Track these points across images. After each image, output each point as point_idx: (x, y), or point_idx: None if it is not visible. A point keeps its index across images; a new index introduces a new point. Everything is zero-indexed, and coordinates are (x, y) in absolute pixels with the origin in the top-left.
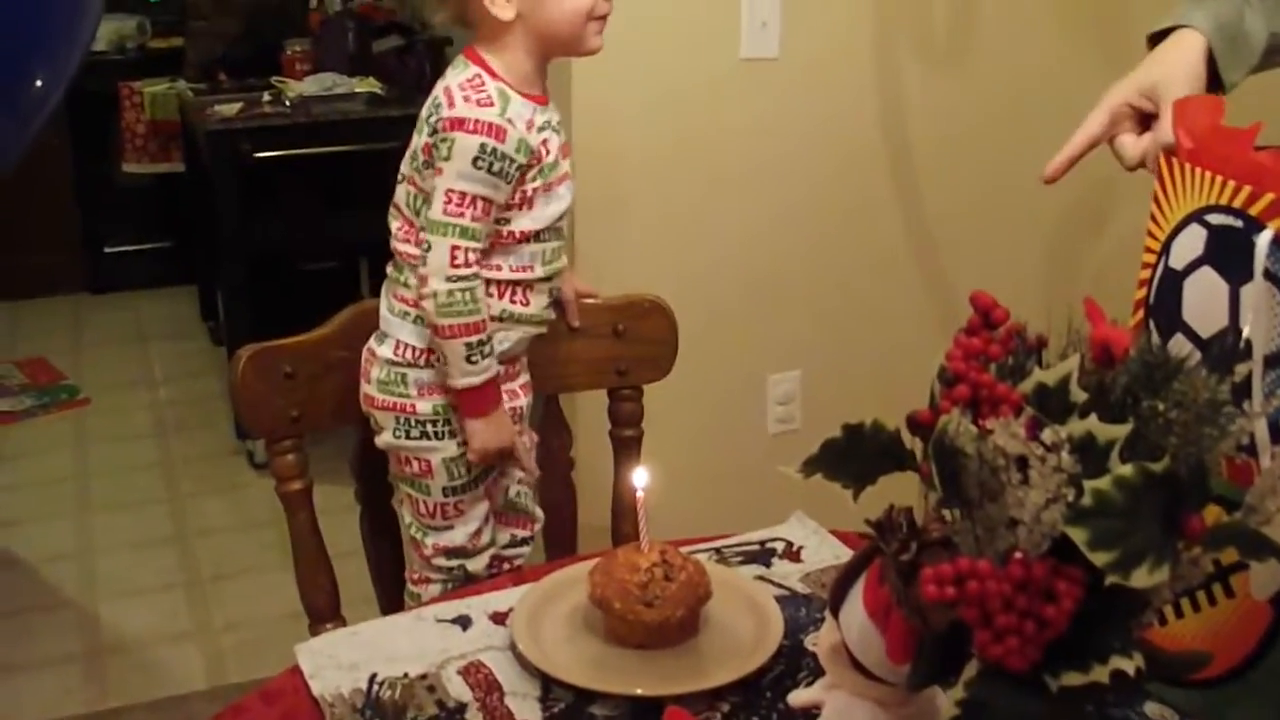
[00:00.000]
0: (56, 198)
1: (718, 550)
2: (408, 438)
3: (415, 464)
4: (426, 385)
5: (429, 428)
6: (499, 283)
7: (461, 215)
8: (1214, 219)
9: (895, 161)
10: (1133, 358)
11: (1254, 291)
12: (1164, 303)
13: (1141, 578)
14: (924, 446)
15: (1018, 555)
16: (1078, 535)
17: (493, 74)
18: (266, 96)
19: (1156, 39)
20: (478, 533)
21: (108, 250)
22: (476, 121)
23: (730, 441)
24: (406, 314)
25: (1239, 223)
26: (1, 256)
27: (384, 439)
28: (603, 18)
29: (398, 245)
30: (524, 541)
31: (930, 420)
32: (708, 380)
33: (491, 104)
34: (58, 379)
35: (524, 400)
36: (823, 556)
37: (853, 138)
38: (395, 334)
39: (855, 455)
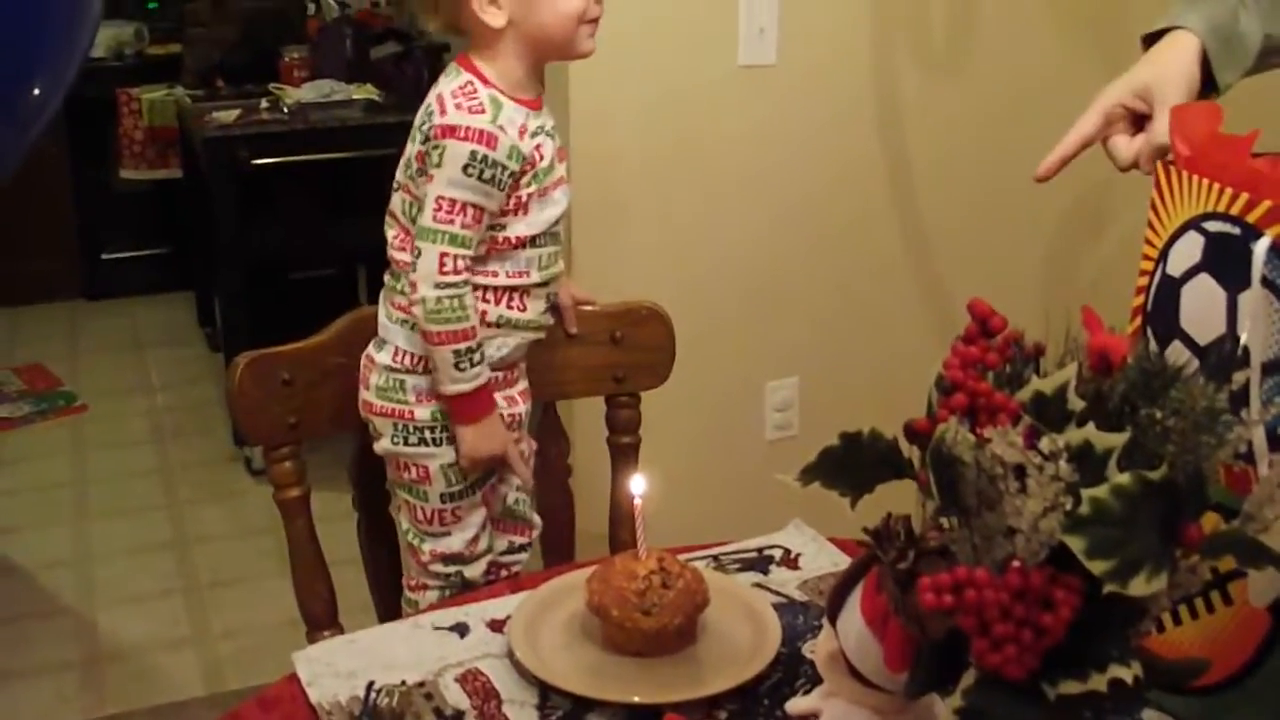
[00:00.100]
0: (54, 204)
1: (715, 558)
2: (406, 444)
3: (413, 470)
4: (425, 391)
5: (427, 434)
6: (495, 289)
7: (451, 222)
8: (1211, 226)
9: (893, 168)
10: (1130, 366)
11: (1251, 299)
12: (1161, 310)
13: (1139, 586)
14: (922, 455)
15: (1015, 564)
16: (1075, 544)
17: (485, 81)
18: (264, 103)
19: (1151, 40)
20: (475, 539)
21: (105, 256)
22: (467, 129)
23: (728, 448)
24: (404, 321)
25: (1236, 230)
26: None
27: (382, 445)
28: (594, 21)
29: (394, 253)
30: (522, 548)
31: (928, 429)
32: (705, 387)
33: (483, 111)
34: (55, 385)
35: (523, 407)
36: (820, 564)
37: (850, 144)
38: (393, 341)
39: (853, 463)
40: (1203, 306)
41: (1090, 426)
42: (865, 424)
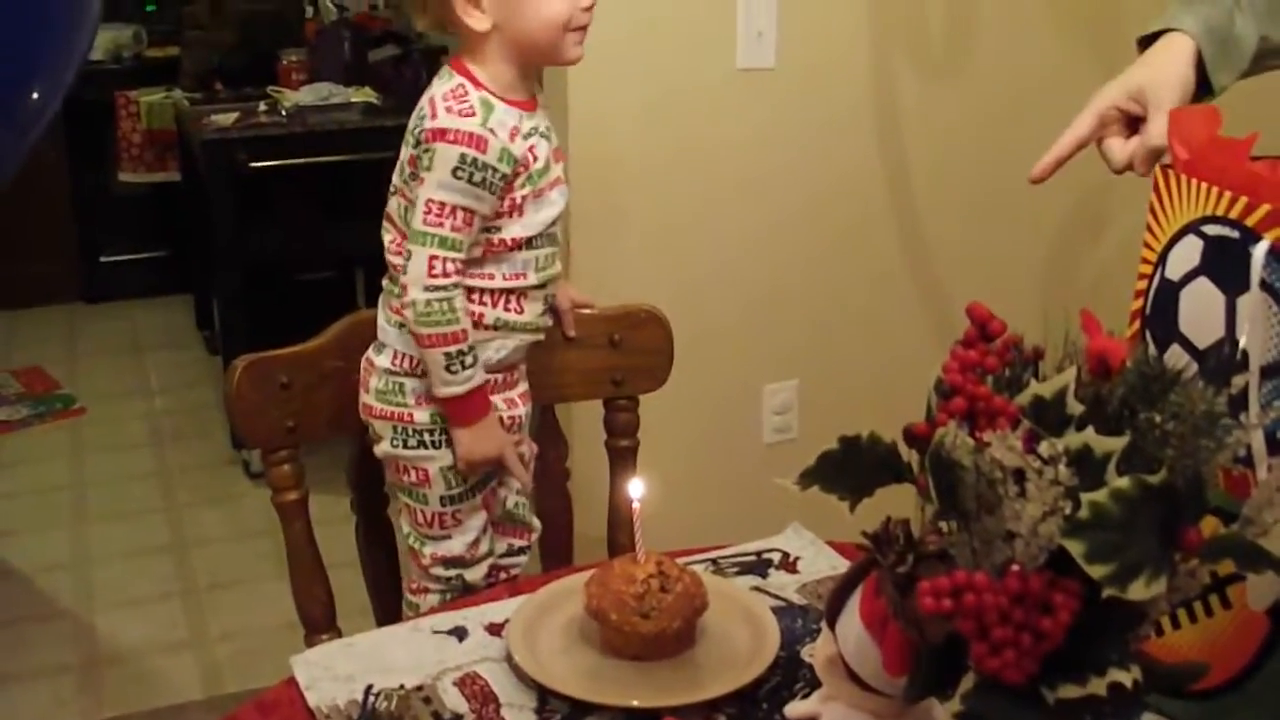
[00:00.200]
0: (52, 207)
1: (714, 561)
2: (405, 447)
3: (413, 473)
4: (424, 394)
5: (426, 437)
6: (492, 291)
7: (441, 225)
8: (1210, 230)
9: (891, 171)
10: (1129, 369)
11: (1250, 302)
12: (1160, 314)
13: (1139, 590)
14: (921, 459)
15: (1014, 568)
16: (1075, 548)
17: (476, 83)
18: (262, 106)
19: (1146, 42)
20: (475, 543)
21: (104, 259)
22: (457, 132)
23: (726, 451)
24: (402, 324)
25: (1235, 233)
26: None
27: (382, 448)
28: (581, 28)
29: (390, 257)
30: (521, 551)
31: (927, 433)
32: (704, 390)
33: (473, 114)
34: (53, 388)
35: (522, 409)
36: (819, 567)
37: (849, 147)
38: (392, 344)
39: (852, 467)
40: (1201, 310)
41: (1089, 430)
42: (864, 427)
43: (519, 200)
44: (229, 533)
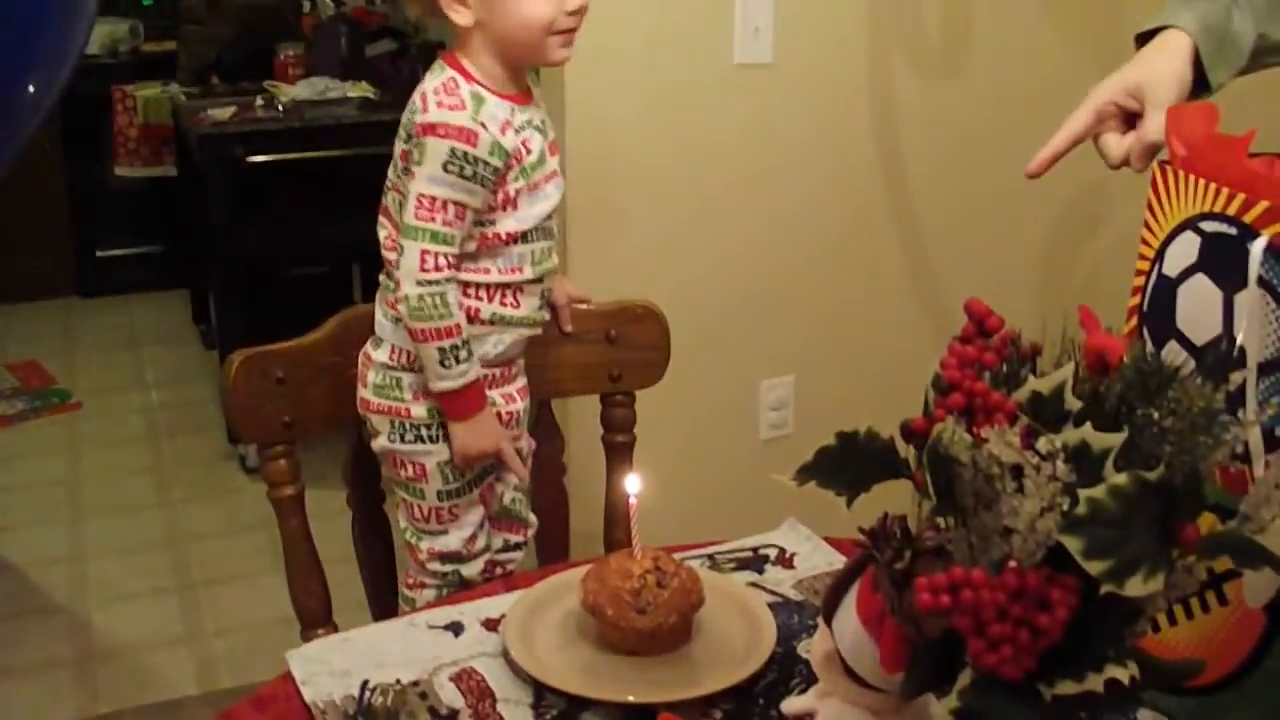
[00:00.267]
0: (49, 201)
1: (710, 557)
2: (402, 441)
3: (410, 468)
4: (421, 389)
5: (423, 431)
6: (488, 286)
7: (432, 220)
8: (1208, 226)
9: (889, 167)
10: (1127, 366)
11: (1248, 299)
12: (1158, 310)
13: (1136, 586)
14: (918, 454)
15: (1012, 564)
16: (1072, 544)
17: (468, 76)
18: (259, 101)
19: (1144, 39)
20: (472, 538)
21: (100, 254)
22: (447, 126)
23: (722, 447)
24: (398, 319)
25: (1233, 230)
26: None
27: (379, 443)
28: (566, 32)
29: (386, 253)
30: (517, 546)
31: (925, 428)
32: (700, 386)
33: (463, 108)
34: (49, 383)
35: (520, 404)
36: (815, 563)
37: (847, 143)
38: (389, 339)
39: (849, 463)
40: (1199, 307)
41: (1087, 426)
42: (860, 423)
43: (512, 194)
44: (225, 528)
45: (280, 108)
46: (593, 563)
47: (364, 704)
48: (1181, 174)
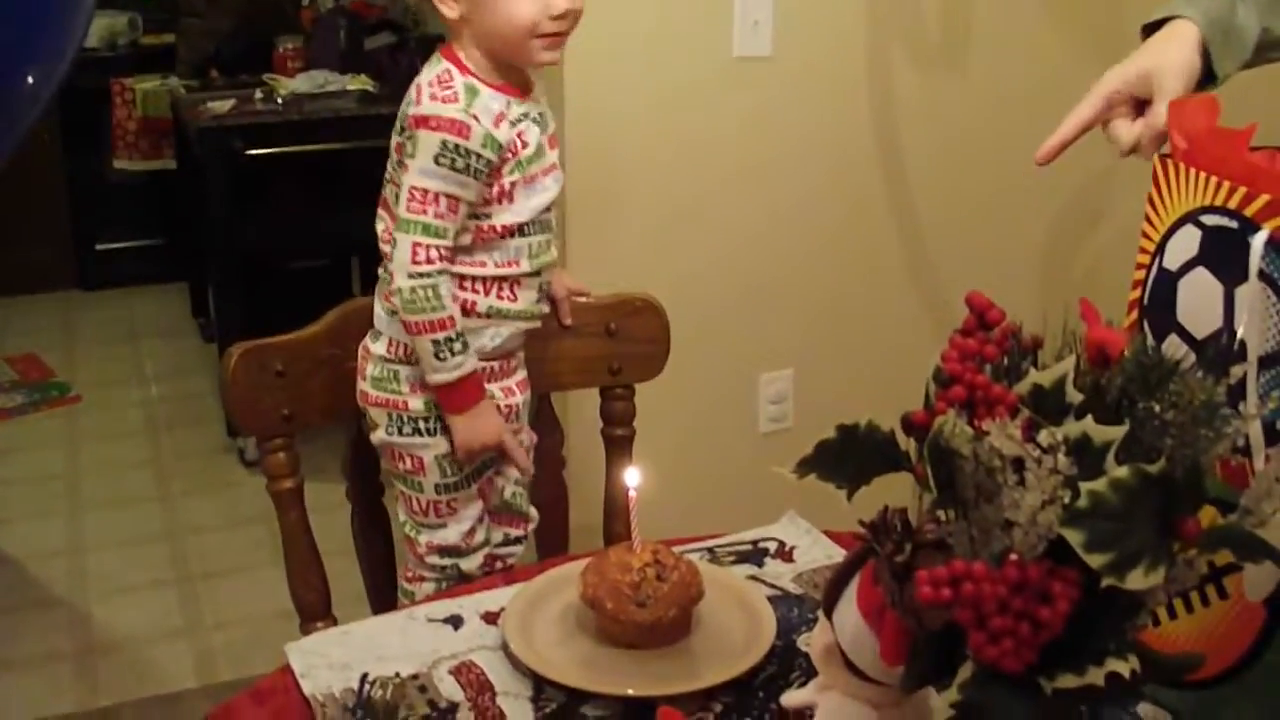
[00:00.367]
0: (48, 194)
1: (710, 550)
2: (400, 434)
3: (408, 461)
4: (418, 382)
5: (421, 424)
6: (484, 279)
7: (424, 212)
8: (1209, 220)
9: (888, 160)
10: (1128, 359)
11: (1249, 292)
12: (1158, 304)
13: (1137, 580)
14: (919, 447)
15: (1013, 557)
16: (1074, 537)
17: (463, 69)
18: (258, 94)
19: (1150, 30)
20: (471, 531)
21: (99, 247)
22: (439, 118)
23: (722, 440)
24: (394, 312)
25: (1234, 224)
26: None
27: (378, 436)
28: (551, 35)
29: (383, 245)
30: (517, 540)
31: (926, 421)
32: (699, 379)
33: (455, 100)
34: (48, 376)
35: (520, 397)
36: (815, 557)
37: (846, 136)
38: (388, 332)
39: (850, 456)
40: (1199, 300)
41: (1088, 419)
42: (860, 416)
43: (508, 187)
44: (224, 521)
45: (279, 101)
46: (592, 556)
47: (363, 697)
48: (1182, 167)
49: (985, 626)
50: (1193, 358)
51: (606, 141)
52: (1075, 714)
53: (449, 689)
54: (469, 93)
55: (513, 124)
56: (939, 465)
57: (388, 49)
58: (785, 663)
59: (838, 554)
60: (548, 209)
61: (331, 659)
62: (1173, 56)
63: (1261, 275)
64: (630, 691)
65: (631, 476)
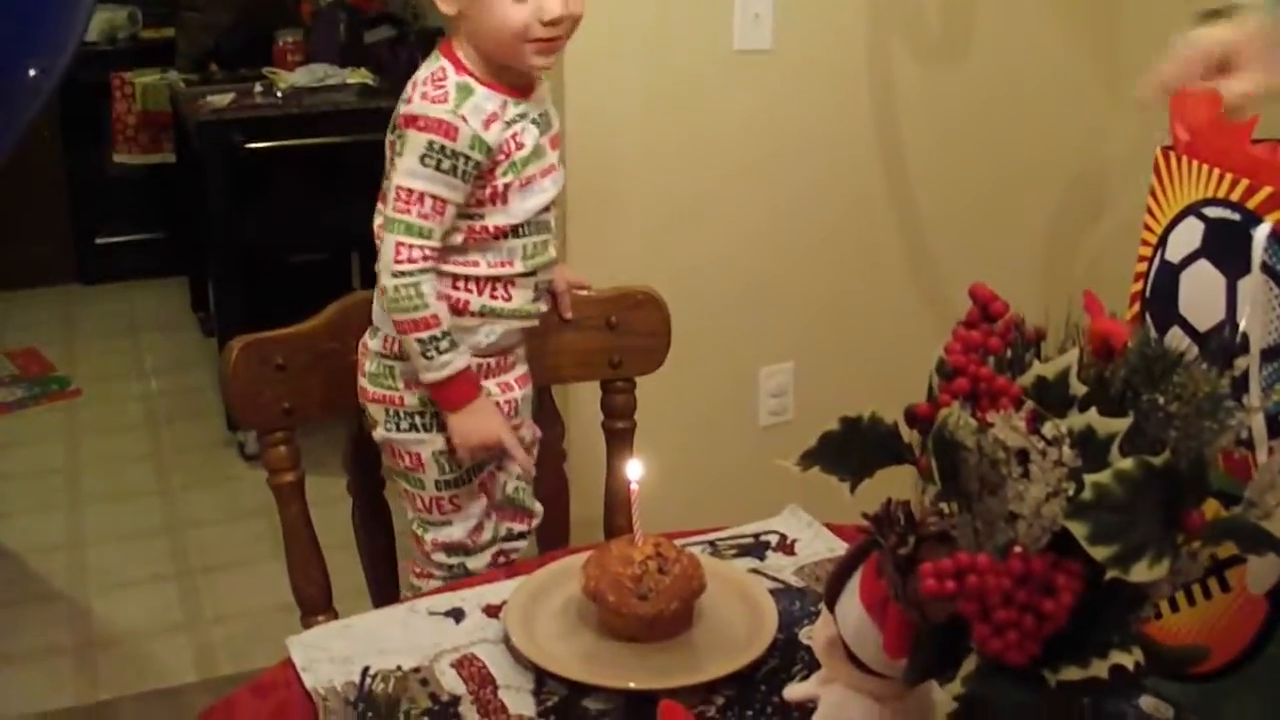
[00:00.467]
0: (47, 188)
1: (712, 543)
2: (398, 430)
3: (407, 457)
4: (412, 377)
5: (417, 420)
6: (478, 278)
7: (408, 212)
8: (1211, 212)
9: (889, 153)
10: (1132, 351)
11: (1251, 285)
12: (1160, 296)
13: (1141, 572)
14: (922, 440)
15: (1017, 549)
16: (1078, 529)
17: (458, 66)
18: (258, 87)
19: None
20: (478, 528)
21: (98, 241)
22: (426, 118)
23: (722, 434)
24: None
25: (1236, 216)
26: None
27: (378, 432)
28: (542, 41)
29: (378, 241)
30: (521, 536)
31: (929, 414)
32: (700, 373)
33: (444, 100)
34: (48, 370)
35: (518, 393)
36: (816, 550)
37: (847, 129)
38: (383, 328)
39: (853, 448)
40: (1202, 292)
41: (1092, 412)
42: (860, 409)
43: (501, 188)
44: (224, 515)
45: (279, 94)
46: (594, 549)
47: (365, 690)
48: (1185, 159)
49: (989, 619)
50: (1195, 350)
51: (607, 135)
52: (1077, 706)
53: (451, 682)
54: (461, 92)
55: (507, 124)
56: (943, 457)
57: (387, 43)
58: (787, 656)
59: (839, 547)
60: (545, 210)
61: (333, 652)
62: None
63: (1264, 268)
64: (632, 684)
65: (633, 469)
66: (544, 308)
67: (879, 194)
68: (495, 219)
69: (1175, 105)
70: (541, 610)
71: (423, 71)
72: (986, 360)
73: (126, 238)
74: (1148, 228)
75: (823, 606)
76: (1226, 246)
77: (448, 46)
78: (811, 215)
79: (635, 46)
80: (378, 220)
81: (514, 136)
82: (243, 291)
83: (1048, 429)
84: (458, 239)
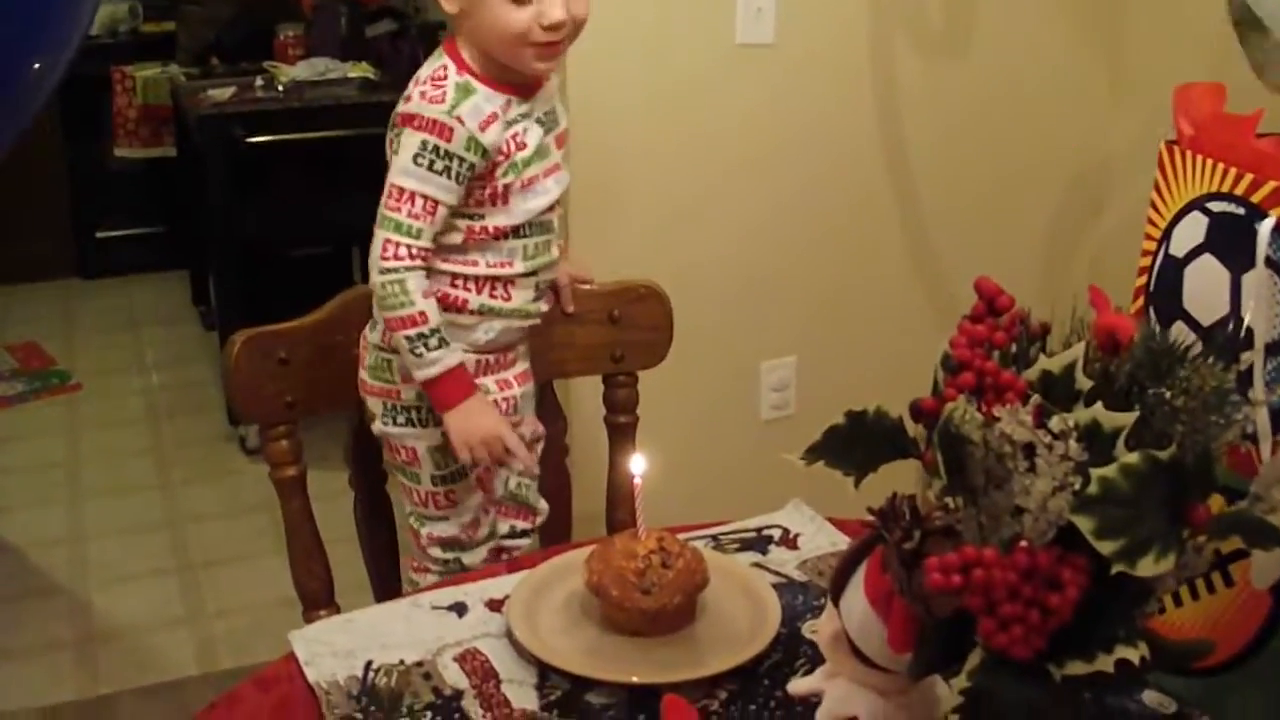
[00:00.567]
0: (48, 183)
1: (714, 537)
2: (394, 423)
3: (403, 452)
4: (409, 372)
5: (413, 414)
6: (476, 278)
7: (398, 210)
8: (1215, 206)
9: (891, 147)
10: (1137, 345)
11: (1255, 279)
12: (1164, 290)
13: (1148, 567)
14: (928, 434)
15: (1023, 544)
16: (1084, 524)
17: (461, 65)
18: (259, 81)
19: None
20: (474, 524)
21: (99, 235)
22: (422, 118)
23: (724, 428)
24: None
25: (1240, 210)
26: None
27: (376, 426)
28: (542, 45)
29: None
30: (524, 533)
31: (934, 408)
32: (702, 367)
33: (441, 100)
34: (49, 364)
35: (518, 390)
36: (819, 544)
37: (849, 123)
38: (381, 322)
39: (858, 442)
40: (1206, 287)
41: (1098, 406)
42: (862, 404)
43: (501, 189)
44: (225, 509)
45: (280, 88)
46: (597, 543)
47: (368, 685)
48: (1189, 154)
49: (995, 613)
50: (1199, 345)
51: (608, 129)
52: (1081, 700)
53: (454, 676)
54: (460, 92)
55: (508, 124)
56: (949, 452)
57: (389, 36)
58: (790, 650)
59: (842, 541)
60: (548, 210)
61: (336, 647)
62: None
63: (1268, 262)
64: (635, 679)
65: (637, 463)
66: (545, 307)
67: (881, 188)
68: (496, 220)
69: (1179, 99)
70: (544, 604)
71: (425, 69)
72: (992, 355)
73: (127, 231)
74: (1151, 222)
75: (827, 601)
76: (1230, 241)
77: (451, 44)
78: (813, 209)
79: (637, 40)
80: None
81: (515, 137)
82: (243, 285)
83: (1054, 423)
84: (456, 239)
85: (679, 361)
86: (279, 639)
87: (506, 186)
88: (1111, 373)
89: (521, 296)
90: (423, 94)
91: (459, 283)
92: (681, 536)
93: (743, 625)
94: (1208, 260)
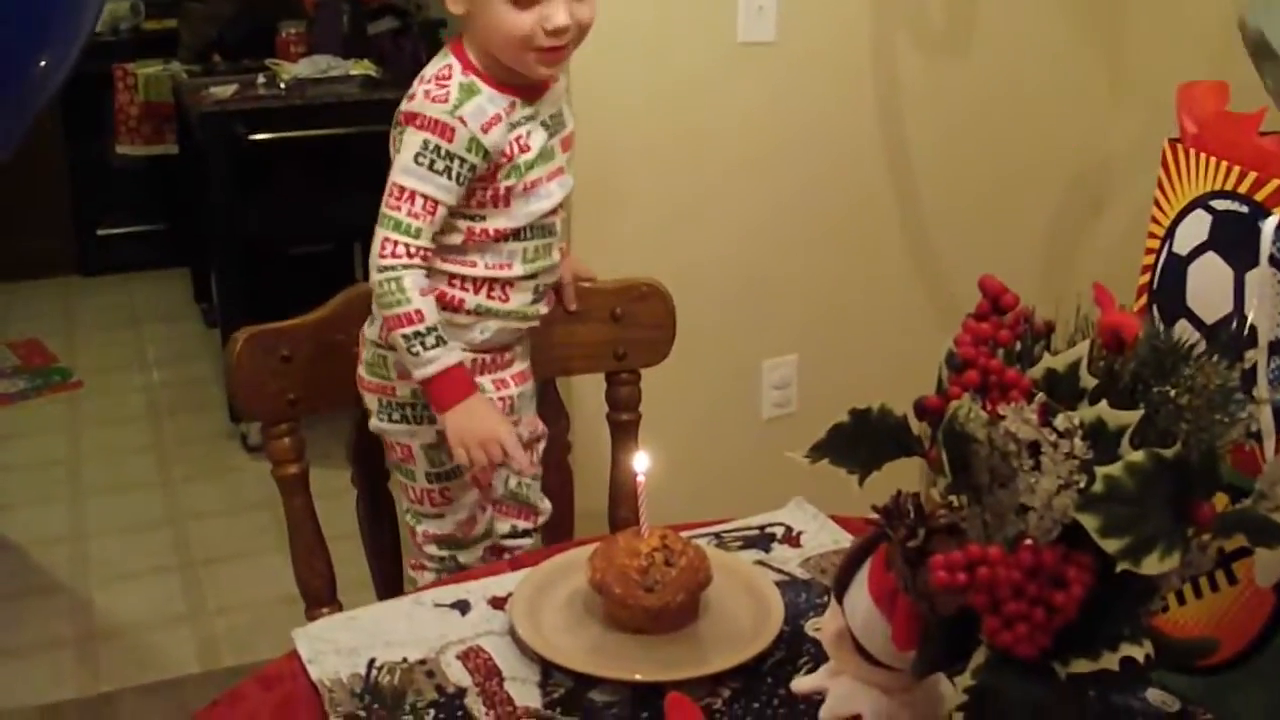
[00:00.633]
0: (49, 180)
1: (717, 535)
2: (390, 420)
3: (399, 449)
4: (406, 370)
5: (408, 411)
6: (474, 279)
7: (397, 209)
8: (1219, 204)
9: (892, 145)
10: (1142, 343)
11: (1259, 277)
12: (1168, 289)
13: (1152, 565)
14: (932, 432)
15: (1028, 542)
16: (1089, 522)
17: (466, 65)
18: (261, 79)
19: None
20: (470, 521)
21: (101, 233)
22: (424, 117)
23: (726, 426)
24: None
25: (1244, 208)
26: None
27: (373, 422)
28: (546, 50)
29: None
30: (525, 533)
31: (939, 406)
32: (704, 365)
33: (445, 100)
34: (50, 361)
35: (515, 390)
36: (822, 542)
37: (850, 121)
38: (379, 318)
39: (862, 440)
40: (1209, 285)
41: (1103, 404)
42: (863, 402)
43: (503, 191)
44: (226, 506)
45: (282, 86)
46: (600, 541)
47: (371, 682)
48: (1192, 152)
49: (1000, 611)
50: (1203, 343)
51: (610, 128)
52: (1084, 698)
53: (457, 674)
54: (464, 92)
55: (512, 126)
56: (954, 450)
57: (390, 34)
58: (793, 648)
59: (844, 539)
60: (550, 214)
61: (339, 644)
62: None
63: (1272, 260)
64: (638, 677)
65: (640, 461)
66: (544, 309)
67: (883, 187)
68: (496, 222)
69: (1183, 97)
70: (547, 602)
71: (430, 68)
72: (996, 353)
73: (129, 229)
74: (1155, 220)
75: (830, 598)
76: (1234, 239)
77: (458, 43)
78: (815, 208)
79: (639, 38)
80: None
81: (519, 139)
82: (245, 283)
83: (1059, 421)
84: (456, 239)
85: (681, 359)
86: (281, 637)
87: (508, 189)
88: (1116, 371)
89: (520, 299)
90: (426, 93)
91: (456, 282)
92: (684, 534)
93: (746, 623)
94: (1211, 258)
